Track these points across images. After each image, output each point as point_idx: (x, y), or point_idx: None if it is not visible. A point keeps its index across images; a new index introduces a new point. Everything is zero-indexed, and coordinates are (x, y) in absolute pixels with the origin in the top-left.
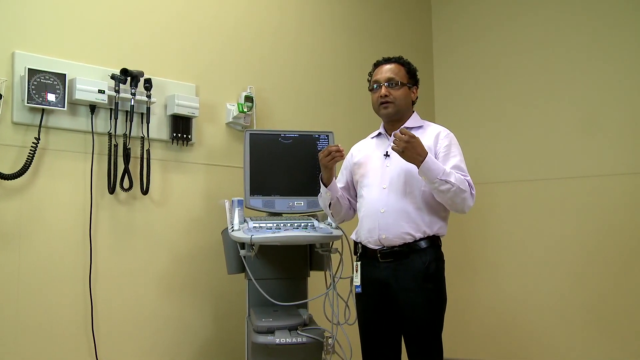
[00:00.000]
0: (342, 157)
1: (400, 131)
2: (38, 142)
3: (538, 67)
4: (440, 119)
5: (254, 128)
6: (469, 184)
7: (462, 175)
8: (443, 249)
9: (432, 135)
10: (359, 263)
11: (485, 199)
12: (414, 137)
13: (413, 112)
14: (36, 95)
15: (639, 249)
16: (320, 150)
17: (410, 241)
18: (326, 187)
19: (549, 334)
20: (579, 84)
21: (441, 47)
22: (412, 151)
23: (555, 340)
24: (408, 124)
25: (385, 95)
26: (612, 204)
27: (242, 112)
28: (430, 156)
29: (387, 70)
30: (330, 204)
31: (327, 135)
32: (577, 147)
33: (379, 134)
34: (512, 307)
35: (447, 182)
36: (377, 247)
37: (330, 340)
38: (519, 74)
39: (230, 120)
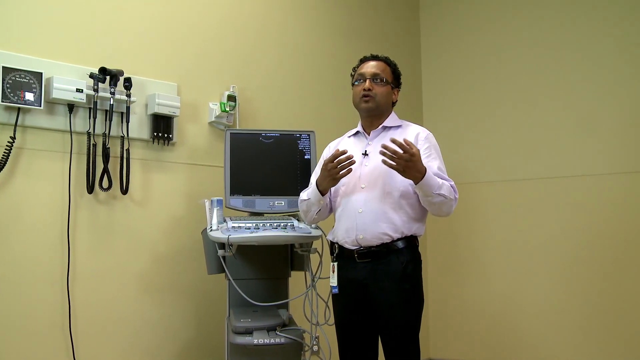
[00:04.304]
0: (350, 169)
1: (401, 146)
2: (14, 141)
3: (527, 67)
4: (428, 118)
5: (237, 127)
6: (454, 190)
7: (448, 182)
8: (430, 249)
9: (411, 135)
10: (335, 264)
11: (473, 198)
12: (414, 154)
13: (392, 112)
14: (11, 94)
15: (627, 248)
16: (302, 149)
17: (388, 241)
18: (323, 195)
19: (536, 334)
20: (568, 84)
21: (429, 46)
22: (412, 169)
23: (543, 340)
24: (386, 122)
25: (369, 89)
26: (602, 204)
27: (225, 111)
28: (428, 172)
29: (373, 66)
30: (318, 210)
31: (309, 135)
32: (566, 146)
33: (357, 132)
34: (500, 307)
35: (440, 195)
36: (354, 248)
37: (311, 341)
38: (507, 74)
39: (213, 119)
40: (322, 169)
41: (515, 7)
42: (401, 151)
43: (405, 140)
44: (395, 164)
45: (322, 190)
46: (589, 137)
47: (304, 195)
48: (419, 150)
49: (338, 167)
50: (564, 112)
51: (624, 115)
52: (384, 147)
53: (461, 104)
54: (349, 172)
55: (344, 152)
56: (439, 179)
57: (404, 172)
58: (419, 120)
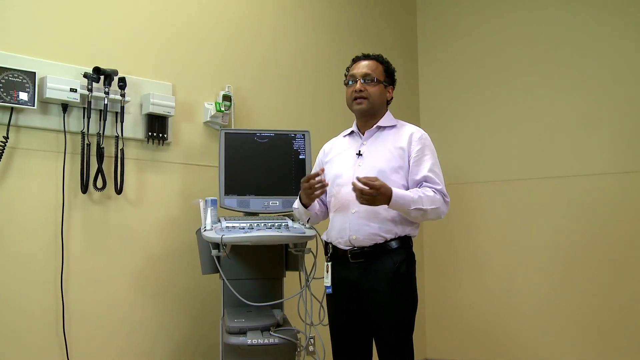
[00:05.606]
0: (322, 190)
1: (366, 184)
2: (7, 141)
3: (524, 67)
4: (425, 118)
5: (232, 127)
6: (442, 194)
7: (432, 187)
8: (426, 249)
9: (405, 136)
10: (329, 264)
11: (470, 198)
12: (376, 187)
13: (387, 111)
14: (4, 94)
15: (626, 248)
16: (297, 149)
17: (381, 242)
18: (306, 208)
19: (533, 333)
20: (566, 84)
21: (426, 46)
22: (380, 200)
23: (540, 340)
24: (381, 122)
25: (360, 91)
26: (600, 204)
27: (220, 111)
28: (395, 192)
29: (364, 66)
30: (308, 219)
31: (304, 135)
32: (564, 146)
33: (352, 132)
34: (497, 308)
35: (417, 209)
36: (347, 248)
37: (305, 341)
38: (504, 73)
39: (208, 119)
40: (301, 186)
41: (512, 7)
42: (367, 188)
43: (365, 179)
44: (366, 201)
45: (304, 204)
46: (588, 137)
47: (295, 203)
48: (381, 182)
49: (312, 189)
50: (562, 111)
51: (623, 115)
52: (354, 184)
53: (458, 103)
54: (322, 193)
55: (317, 175)
56: (413, 194)
57: (374, 203)
58: (416, 119)
